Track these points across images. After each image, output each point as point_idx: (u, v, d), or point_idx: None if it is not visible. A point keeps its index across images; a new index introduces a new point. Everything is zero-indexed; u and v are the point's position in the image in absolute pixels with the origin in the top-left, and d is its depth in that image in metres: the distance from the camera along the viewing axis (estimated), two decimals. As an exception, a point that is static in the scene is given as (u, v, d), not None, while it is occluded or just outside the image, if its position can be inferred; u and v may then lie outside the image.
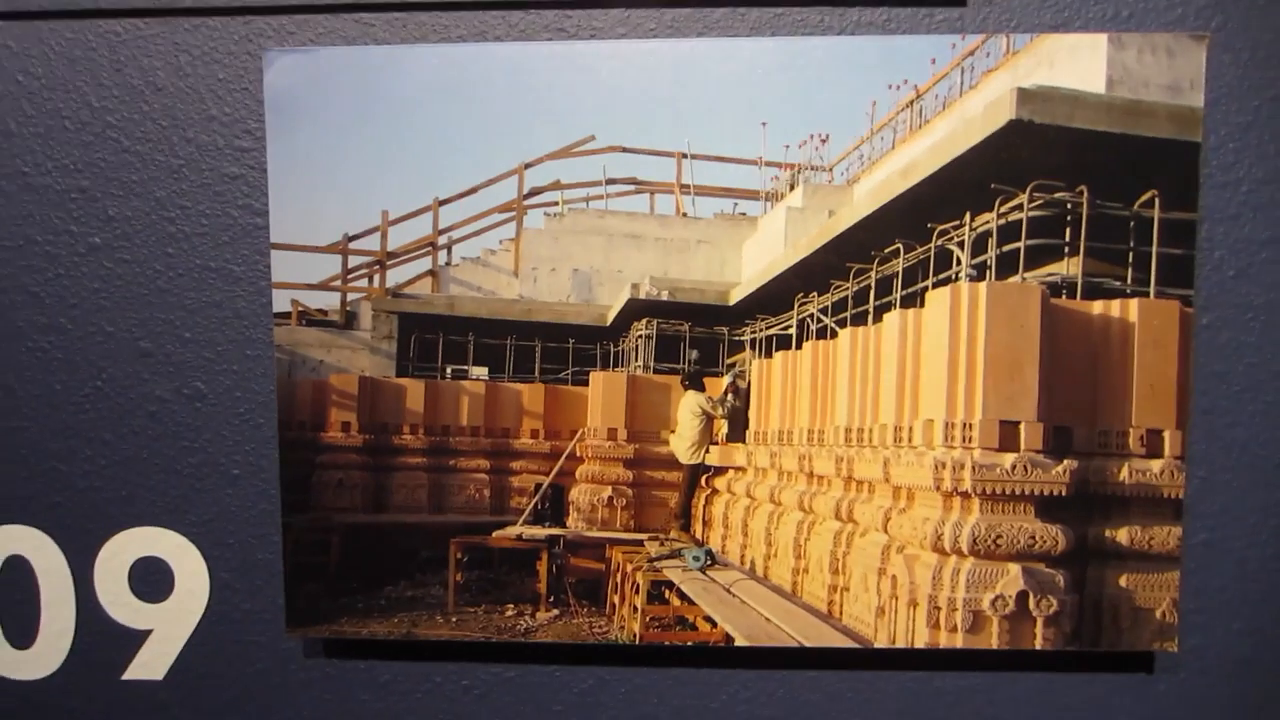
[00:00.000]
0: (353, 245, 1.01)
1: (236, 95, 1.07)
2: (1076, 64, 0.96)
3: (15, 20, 1.09)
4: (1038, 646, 0.92)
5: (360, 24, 1.04)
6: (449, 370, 1.01)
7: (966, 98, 0.98)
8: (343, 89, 1.01)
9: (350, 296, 1.02)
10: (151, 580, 1.11)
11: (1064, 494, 0.93)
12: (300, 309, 1.02)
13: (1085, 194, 0.96)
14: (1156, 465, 0.95)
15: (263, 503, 1.07)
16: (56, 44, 1.09)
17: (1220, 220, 0.98)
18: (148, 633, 1.11)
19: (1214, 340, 0.98)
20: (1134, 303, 0.95)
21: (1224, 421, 0.98)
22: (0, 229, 1.11)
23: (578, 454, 0.99)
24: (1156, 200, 0.96)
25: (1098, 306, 0.96)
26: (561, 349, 1.00)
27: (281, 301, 1.03)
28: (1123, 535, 0.95)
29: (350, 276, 1.01)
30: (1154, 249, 0.95)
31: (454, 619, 1.00)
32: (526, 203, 1.00)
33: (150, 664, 1.12)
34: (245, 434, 1.08)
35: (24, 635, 1.13)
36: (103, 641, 1.12)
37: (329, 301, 1.03)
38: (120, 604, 1.11)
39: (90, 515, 1.12)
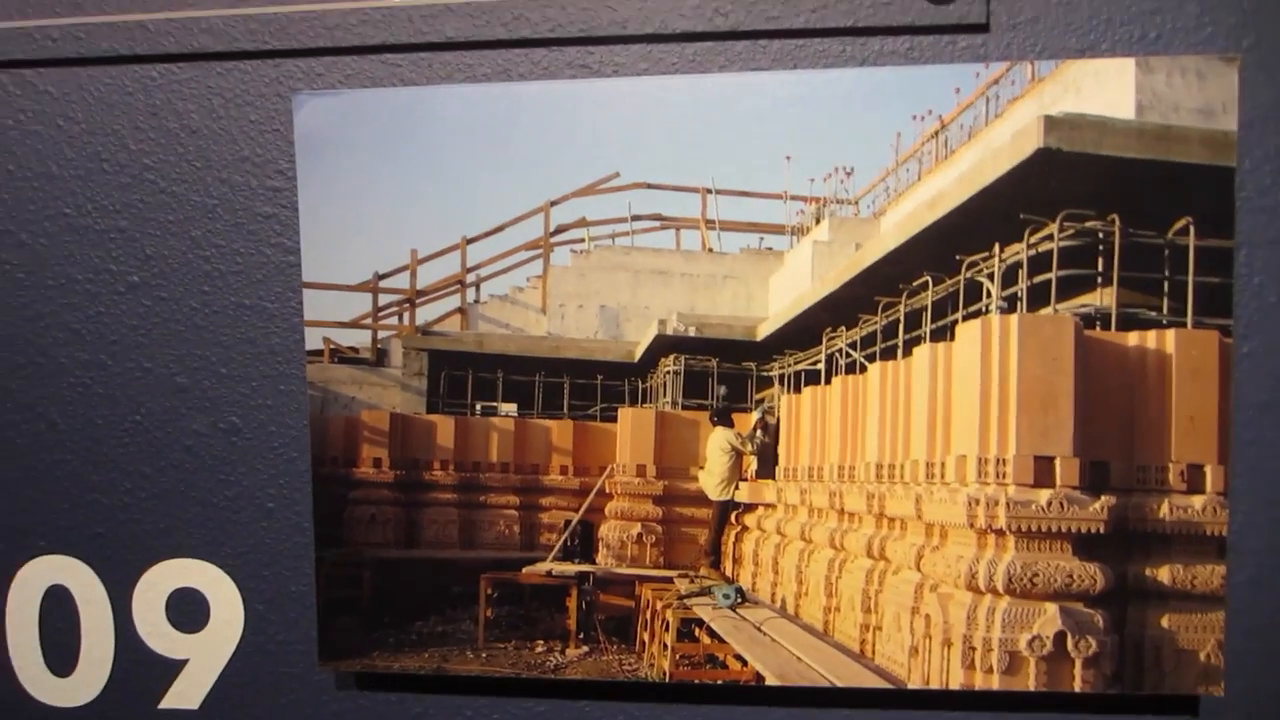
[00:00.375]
0: (383, 284, 1.02)
1: (268, 136, 1.09)
2: (1104, 90, 0.95)
3: (56, 67, 1.12)
4: (1077, 688, 0.90)
5: (387, 64, 1.06)
6: (478, 407, 1.02)
7: (992, 127, 0.97)
8: (371, 130, 1.02)
9: (381, 334, 1.03)
10: (188, 611, 1.13)
11: (1102, 531, 0.92)
12: (332, 347, 1.04)
13: (1117, 222, 0.94)
14: (1198, 501, 0.93)
15: (297, 536, 1.09)
16: (95, 90, 1.12)
17: (1259, 245, 0.96)
18: (184, 662, 1.13)
19: (1257, 369, 0.96)
20: (1171, 333, 0.94)
21: (1270, 453, 0.96)
22: (44, 269, 1.14)
23: (607, 490, 0.99)
24: (1191, 227, 0.94)
25: (1133, 338, 0.94)
26: (590, 385, 1.00)
27: (314, 339, 1.04)
28: (1164, 574, 0.92)
29: (381, 314, 1.03)
30: (1190, 277, 0.93)
31: (484, 654, 1.01)
32: (553, 240, 1.00)
33: (186, 693, 1.13)
34: (279, 468, 1.10)
35: (65, 663, 1.16)
36: (140, 670, 1.14)
37: (360, 339, 1.04)
38: (157, 634, 1.13)
39: (129, 546, 1.14)
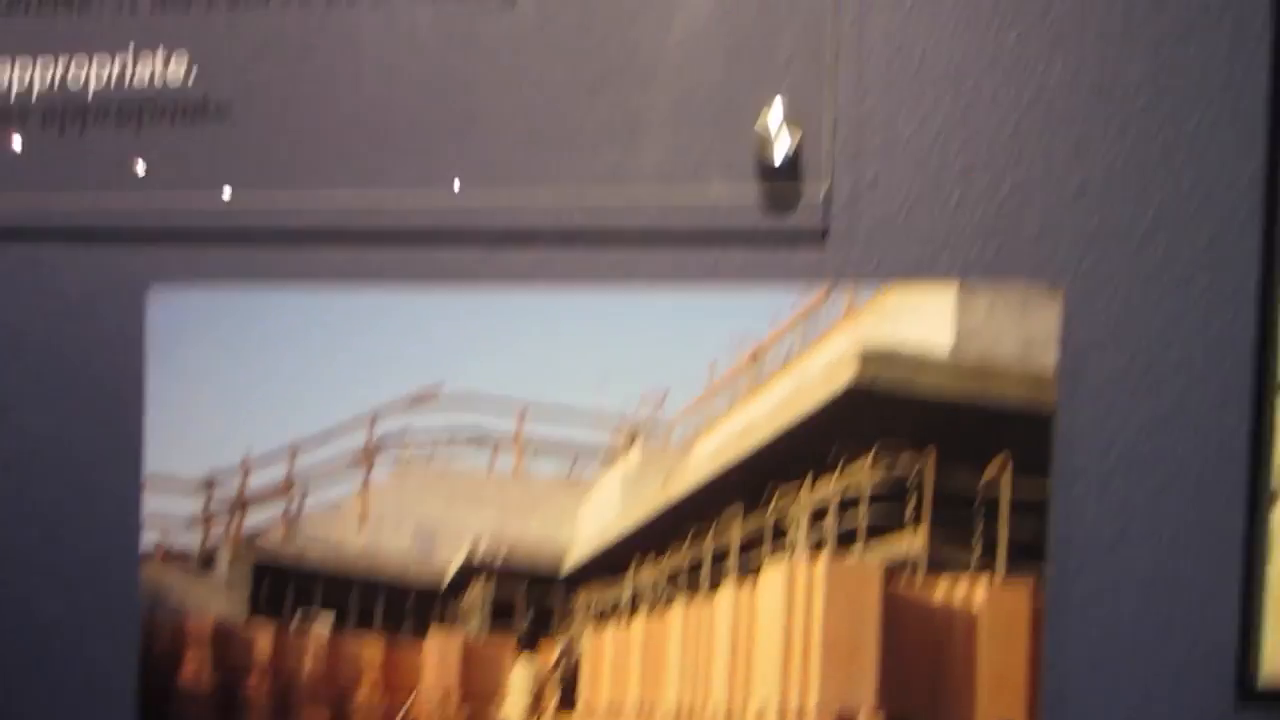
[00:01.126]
0: (213, 490, 1.04)
1: (125, 326, 1.12)
2: (923, 320, 0.93)
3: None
4: None
5: (243, 258, 1.09)
6: (297, 617, 1.03)
7: (808, 355, 0.96)
8: (217, 327, 1.05)
9: (210, 539, 1.05)
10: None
11: (902, 792, 0.89)
12: (164, 550, 1.06)
13: (930, 462, 0.92)
14: (1002, 765, 0.89)
15: (131, 735, 1.10)
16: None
17: (1082, 489, 0.92)
18: None
19: (1078, 620, 0.92)
20: (981, 583, 0.91)
21: (1084, 710, 0.92)
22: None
23: (411, 716, 0.99)
24: (1008, 469, 0.91)
25: (942, 587, 0.92)
26: (402, 603, 1.01)
27: (147, 540, 1.07)
28: (962, 842, 0.89)
29: (210, 520, 1.05)
30: (1004, 524, 0.91)
31: None
32: (374, 453, 1.02)
33: None
34: (117, 665, 1.11)
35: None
36: None
37: (189, 542, 1.06)
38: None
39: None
